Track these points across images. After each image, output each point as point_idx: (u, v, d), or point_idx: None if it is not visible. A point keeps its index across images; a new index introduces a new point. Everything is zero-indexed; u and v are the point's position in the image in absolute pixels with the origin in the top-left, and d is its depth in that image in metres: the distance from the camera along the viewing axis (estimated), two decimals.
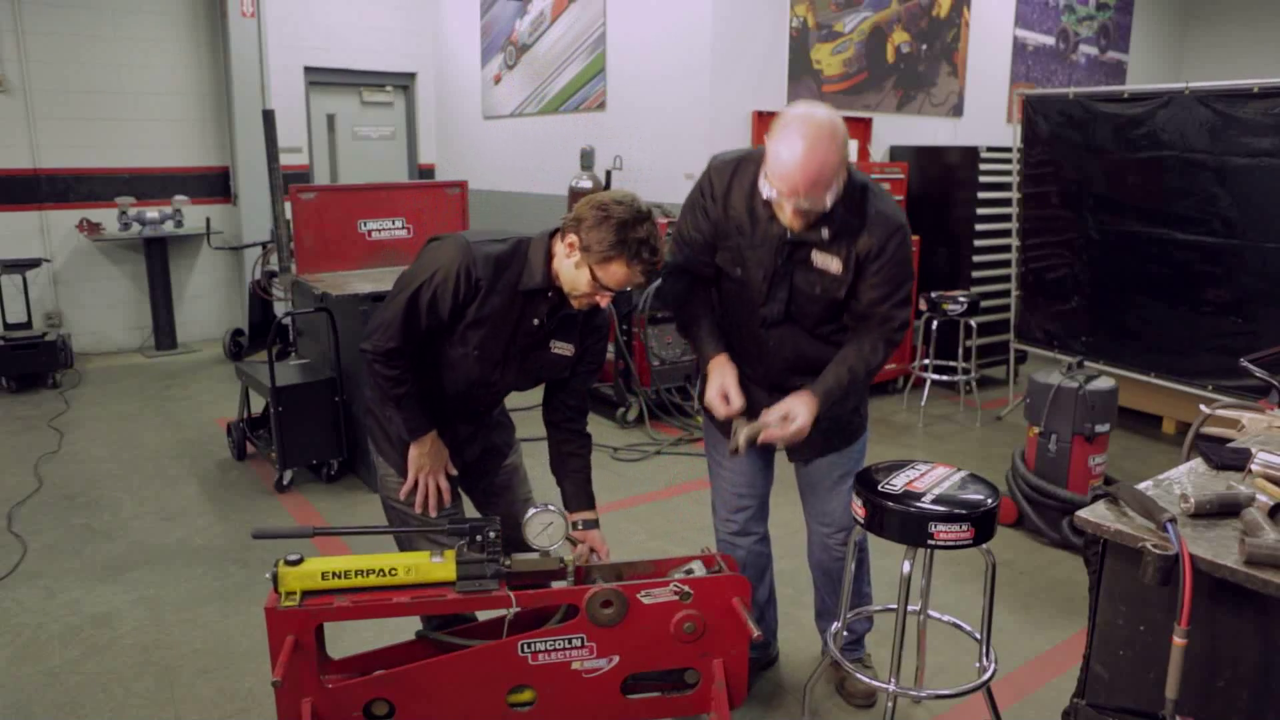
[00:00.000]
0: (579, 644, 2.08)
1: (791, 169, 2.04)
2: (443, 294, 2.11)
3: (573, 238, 2.08)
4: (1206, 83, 4.69)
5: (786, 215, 2.16)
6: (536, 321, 2.21)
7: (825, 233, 2.21)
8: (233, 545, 3.80)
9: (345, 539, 3.66)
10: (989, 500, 2.09)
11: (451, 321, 2.16)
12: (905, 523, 2.06)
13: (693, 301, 2.46)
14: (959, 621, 2.54)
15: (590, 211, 2.06)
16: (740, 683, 2.18)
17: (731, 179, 2.31)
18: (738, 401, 2.33)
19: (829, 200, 2.09)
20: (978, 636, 2.31)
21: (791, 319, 2.35)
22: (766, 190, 2.13)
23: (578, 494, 2.41)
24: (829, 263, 2.25)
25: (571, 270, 2.12)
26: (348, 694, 2.04)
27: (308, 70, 7.97)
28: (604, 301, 2.19)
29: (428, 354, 2.24)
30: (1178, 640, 1.46)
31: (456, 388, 2.28)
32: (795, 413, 2.25)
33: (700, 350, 2.44)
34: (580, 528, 2.35)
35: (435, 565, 2.07)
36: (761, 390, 2.43)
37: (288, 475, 4.40)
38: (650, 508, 4.21)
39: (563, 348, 2.29)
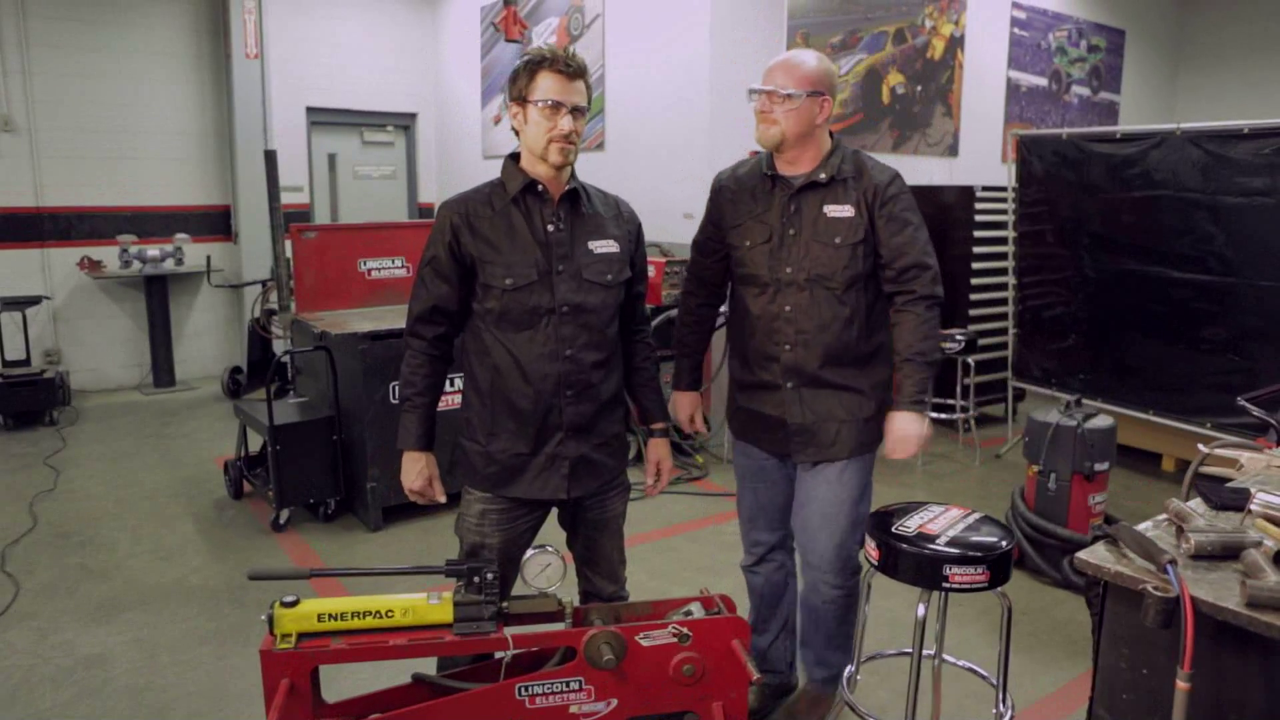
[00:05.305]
0: (577, 687, 2.06)
1: (771, 62, 2.38)
2: (441, 235, 2.22)
3: (511, 108, 2.19)
4: (1197, 124, 4.75)
5: (760, 112, 2.36)
6: (551, 228, 2.20)
7: (822, 175, 2.36)
8: (228, 586, 3.77)
9: (342, 580, 3.64)
10: (1003, 543, 2.08)
11: (472, 273, 2.21)
12: (920, 565, 2.05)
13: (697, 332, 2.73)
14: (975, 667, 2.51)
15: (507, 86, 2.22)
16: None
17: (734, 169, 2.59)
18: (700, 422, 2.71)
19: (794, 88, 2.29)
20: (994, 682, 2.28)
21: (815, 281, 2.38)
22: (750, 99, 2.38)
23: (654, 405, 2.54)
24: (840, 210, 2.36)
25: (529, 129, 2.15)
26: None
27: (309, 110, 8.05)
28: (567, 124, 2.12)
29: (485, 341, 2.24)
30: (1181, 684, 1.45)
31: (531, 354, 2.20)
32: (903, 429, 2.32)
33: (677, 377, 2.73)
34: (657, 435, 2.54)
35: (432, 607, 2.05)
36: (790, 392, 2.45)
37: (285, 514, 4.37)
38: (649, 547, 4.19)
39: (602, 244, 2.26)
